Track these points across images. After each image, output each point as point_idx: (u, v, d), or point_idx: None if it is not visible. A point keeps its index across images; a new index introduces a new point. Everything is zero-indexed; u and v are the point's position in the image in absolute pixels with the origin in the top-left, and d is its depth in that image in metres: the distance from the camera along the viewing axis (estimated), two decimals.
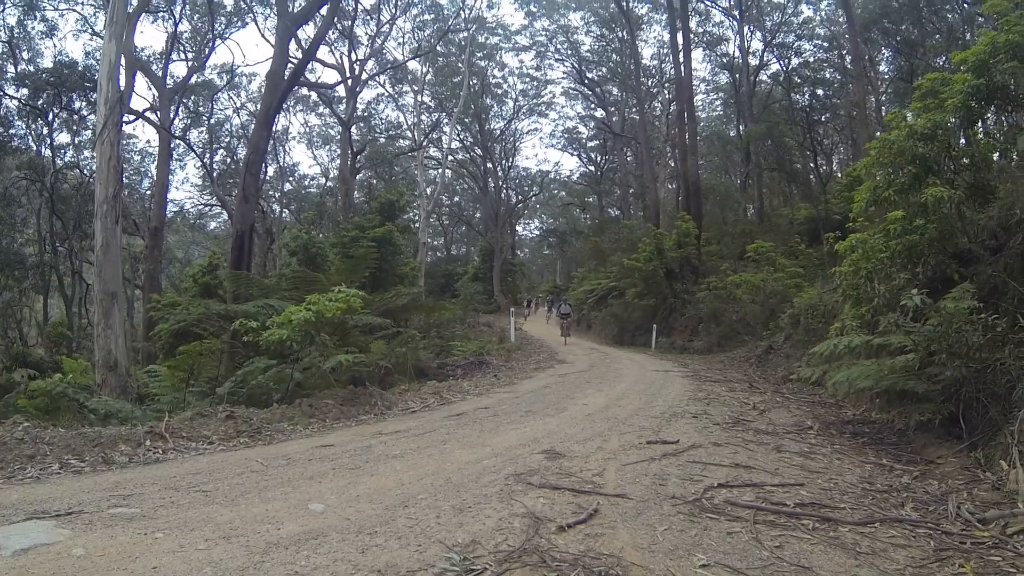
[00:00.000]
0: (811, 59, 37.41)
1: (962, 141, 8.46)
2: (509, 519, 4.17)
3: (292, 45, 23.80)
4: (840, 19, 35.21)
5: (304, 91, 41.20)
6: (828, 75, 37.05)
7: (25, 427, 6.63)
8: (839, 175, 35.63)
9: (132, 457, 6.20)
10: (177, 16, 32.49)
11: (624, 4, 37.87)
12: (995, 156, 9.35)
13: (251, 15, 33.46)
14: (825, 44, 37.60)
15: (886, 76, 36.48)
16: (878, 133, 8.33)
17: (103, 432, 6.78)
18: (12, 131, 28.87)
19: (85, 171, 30.13)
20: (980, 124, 8.69)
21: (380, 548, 3.64)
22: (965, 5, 28.23)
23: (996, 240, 7.62)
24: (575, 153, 60.65)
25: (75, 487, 5.05)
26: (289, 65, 20.44)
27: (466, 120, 49.36)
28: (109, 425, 7.53)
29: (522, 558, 3.52)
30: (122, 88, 15.19)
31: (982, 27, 10.56)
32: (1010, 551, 3.79)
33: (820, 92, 36.12)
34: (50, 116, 29.42)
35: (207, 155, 39.57)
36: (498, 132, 54.19)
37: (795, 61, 37.51)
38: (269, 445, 7.04)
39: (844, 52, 35.46)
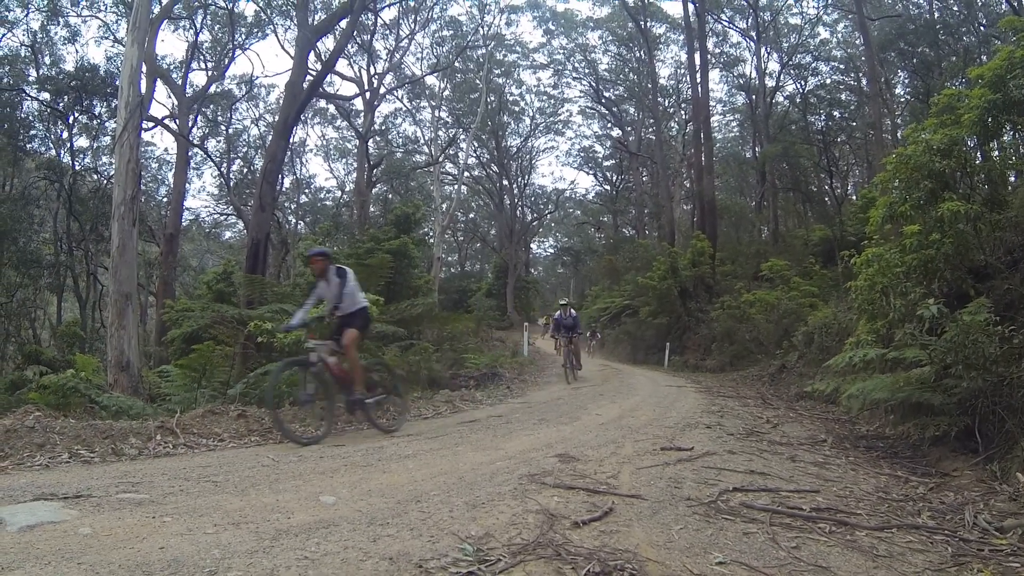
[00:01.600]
0: (827, 80, 37.51)
1: (978, 159, 8.42)
2: (523, 515, 4.13)
3: (311, 57, 24.03)
4: (857, 41, 35.36)
5: (322, 103, 41.58)
6: (844, 97, 37.06)
7: (36, 416, 6.64)
8: (854, 197, 35.54)
9: (142, 450, 6.21)
10: (198, 25, 32.97)
11: (642, 24, 38.10)
12: (1011, 177, 9.29)
13: (271, 26, 33.68)
14: (842, 66, 37.67)
15: (902, 99, 36.47)
16: (893, 154, 8.29)
17: (114, 425, 6.79)
18: (32, 132, 29.28)
19: (103, 176, 30.45)
20: (995, 141, 8.62)
21: (392, 538, 3.62)
22: (981, 28, 28.23)
23: (1012, 256, 7.58)
24: (591, 172, 60.91)
25: (84, 474, 5.06)
26: (308, 76, 20.61)
27: (483, 136, 49.62)
28: (120, 420, 7.53)
29: (536, 551, 3.48)
30: (142, 93, 15.33)
31: (999, 48, 10.54)
32: None
33: (836, 114, 36.10)
34: (70, 119, 29.75)
35: (224, 164, 39.96)
36: (514, 149, 54.50)
37: (812, 82, 37.60)
38: (280, 443, 7.03)
39: (860, 74, 35.49)
